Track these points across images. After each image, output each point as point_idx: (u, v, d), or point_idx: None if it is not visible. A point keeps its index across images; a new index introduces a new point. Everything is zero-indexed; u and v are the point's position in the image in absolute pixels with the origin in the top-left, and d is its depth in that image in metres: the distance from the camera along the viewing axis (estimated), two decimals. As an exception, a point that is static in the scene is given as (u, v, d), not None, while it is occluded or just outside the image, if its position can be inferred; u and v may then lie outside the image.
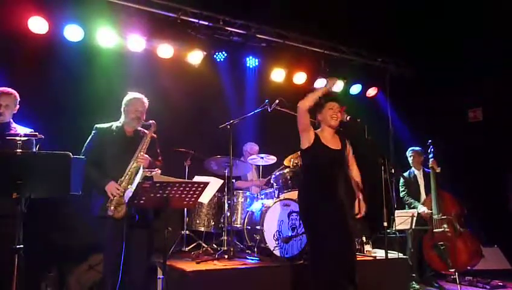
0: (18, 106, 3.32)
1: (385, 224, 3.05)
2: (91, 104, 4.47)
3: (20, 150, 2.50)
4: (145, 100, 3.43)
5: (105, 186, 3.12)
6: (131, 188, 3.00)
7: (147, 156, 3.25)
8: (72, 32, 4.74)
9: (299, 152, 4.57)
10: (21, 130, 3.16)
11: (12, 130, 3.16)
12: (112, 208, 3.09)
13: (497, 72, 5.81)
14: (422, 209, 5.07)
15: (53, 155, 2.60)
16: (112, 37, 4.91)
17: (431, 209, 4.98)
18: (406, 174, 5.46)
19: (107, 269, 3.26)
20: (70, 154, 2.58)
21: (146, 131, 3.42)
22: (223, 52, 5.72)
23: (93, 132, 3.34)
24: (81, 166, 3.06)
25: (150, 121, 3.36)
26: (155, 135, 3.44)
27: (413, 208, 5.15)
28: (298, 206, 3.53)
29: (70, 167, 2.59)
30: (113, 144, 3.28)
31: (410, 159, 5.51)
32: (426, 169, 5.38)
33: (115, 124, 3.39)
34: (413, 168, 5.48)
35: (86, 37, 4.81)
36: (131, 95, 3.42)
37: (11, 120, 3.27)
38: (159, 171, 3.20)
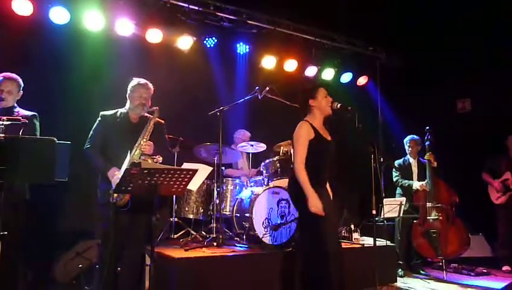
0: (21, 92, 3.32)
1: (374, 212, 3.05)
2: (78, 88, 4.37)
3: (3, 135, 2.43)
4: (150, 86, 3.39)
5: (107, 172, 3.09)
6: (119, 174, 2.95)
7: (150, 142, 3.21)
8: (58, 15, 4.59)
9: (289, 140, 4.59)
10: (24, 114, 3.17)
11: (15, 114, 3.16)
12: (115, 195, 3.06)
13: (486, 63, 5.85)
14: (419, 184, 5.08)
15: (37, 140, 2.55)
16: (99, 21, 4.78)
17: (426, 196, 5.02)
18: (400, 161, 5.46)
19: (102, 256, 3.23)
20: (55, 139, 2.52)
21: (151, 117, 3.37)
22: (213, 38, 5.63)
23: (98, 119, 3.31)
24: (67, 152, 3.01)
25: (154, 108, 3.32)
26: (162, 121, 3.41)
27: (409, 186, 5.16)
28: (291, 195, 3.41)
29: (55, 152, 2.53)
30: (118, 131, 3.24)
31: (407, 147, 5.46)
32: (421, 159, 5.39)
33: (120, 111, 3.35)
34: (408, 156, 5.47)
35: (73, 19, 4.67)
36: (135, 80, 3.37)
37: (15, 104, 3.28)
38: (160, 158, 3.17)
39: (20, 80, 3.31)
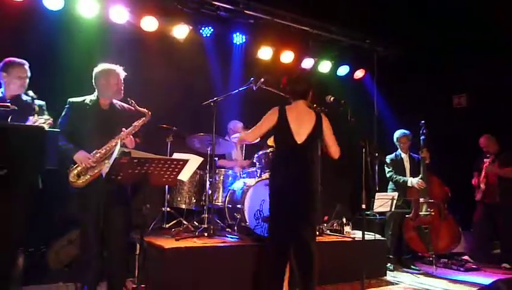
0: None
1: (363, 206, 3.05)
2: (70, 76, 4.32)
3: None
4: (122, 70, 3.37)
5: (74, 155, 3.08)
6: (108, 164, 2.94)
7: (131, 137, 3.25)
8: (52, 1, 4.53)
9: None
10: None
11: (24, 102, 3.13)
12: (72, 174, 3.07)
13: (482, 59, 5.83)
14: (415, 180, 5.07)
15: (26, 128, 2.54)
16: (93, 7, 4.73)
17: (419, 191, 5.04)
18: (392, 156, 5.44)
19: (83, 245, 3.24)
20: (44, 126, 2.50)
21: (124, 105, 3.39)
22: (210, 28, 5.58)
23: (67, 106, 3.27)
24: (57, 139, 3.00)
25: (146, 110, 3.33)
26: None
27: (404, 182, 5.14)
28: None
29: (45, 140, 2.52)
30: (88, 118, 3.22)
31: (398, 143, 5.44)
32: (412, 154, 5.39)
33: (88, 98, 3.31)
34: (399, 151, 5.44)
35: (67, 5, 4.62)
36: (107, 66, 3.32)
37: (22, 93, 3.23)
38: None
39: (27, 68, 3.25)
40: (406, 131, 5.43)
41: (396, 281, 4.47)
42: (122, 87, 3.33)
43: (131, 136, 3.26)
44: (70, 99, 3.28)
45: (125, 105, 3.40)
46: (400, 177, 5.23)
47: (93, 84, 3.31)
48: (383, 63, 6.69)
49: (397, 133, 5.47)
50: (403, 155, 5.41)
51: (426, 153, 5.09)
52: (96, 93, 3.32)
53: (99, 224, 3.12)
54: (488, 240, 5.62)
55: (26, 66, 3.22)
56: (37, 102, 3.17)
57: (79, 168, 3.08)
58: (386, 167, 5.39)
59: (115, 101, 3.36)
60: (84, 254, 3.19)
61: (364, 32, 6.44)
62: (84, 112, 3.23)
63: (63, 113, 3.25)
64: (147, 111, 3.33)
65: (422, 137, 5.16)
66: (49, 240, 4.31)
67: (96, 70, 3.31)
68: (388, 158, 5.42)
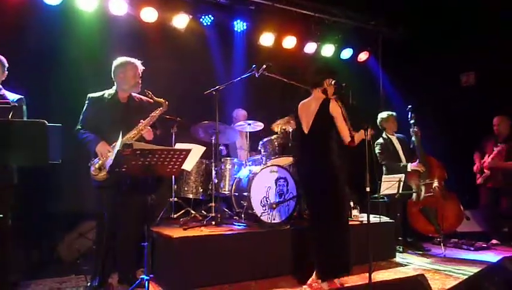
0: (6, 72, 3.22)
1: (367, 189, 3.04)
2: (71, 70, 4.34)
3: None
4: (140, 64, 3.42)
5: (96, 146, 3.14)
6: (112, 156, 2.97)
7: (149, 128, 3.29)
8: (51, -5, 4.54)
9: (287, 117, 4.58)
10: (10, 97, 3.11)
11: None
12: (94, 168, 3.12)
13: (491, 37, 5.70)
14: (413, 165, 4.98)
15: (27, 123, 2.56)
16: (92, 0, 4.72)
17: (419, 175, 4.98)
18: (380, 141, 5.25)
19: (98, 237, 3.30)
20: (46, 121, 2.52)
21: (142, 97, 3.43)
22: (210, 16, 5.53)
23: (86, 102, 3.34)
24: (59, 134, 3.04)
25: (163, 100, 3.37)
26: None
27: (403, 167, 5.01)
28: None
29: (47, 134, 2.53)
30: (108, 111, 3.28)
31: (383, 124, 5.27)
32: (397, 134, 5.29)
33: (107, 92, 3.37)
34: (386, 134, 5.27)
35: (65, 0, 4.62)
36: (125, 59, 3.36)
37: (0, 86, 3.20)
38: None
39: (4, 60, 3.19)
40: (389, 112, 5.32)
41: (406, 262, 4.46)
42: (140, 80, 3.35)
43: (149, 128, 3.28)
44: (90, 95, 3.34)
45: (144, 97, 3.44)
46: (398, 163, 5.08)
47: (112, 77, 3.35)
48: (388, 45, 6.58)
49: (382, 114, 5.31)
50: (391, 137, 5.26)
51: (417, 129, 5.03)
52: (115, 87, 3.37)
53: (115, 216, 3.17)
54: (497, 219, 5.54)
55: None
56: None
57: (100, 162, 3.13)
58: (378, 155, 5.18)
59: (133, 94, 3.38)
60: (97, 245, 3.25)
61: (368, 13, 6.32)
62: (103, 106, 3.29)
63: (83, 109, 3.33)
64: (163, 101, 3.37)
65: (411, 121, 5.10)
66: (60, 233, 4.38)
67: (114, 63, 3.36)
68: (377, 145, 5.20)
